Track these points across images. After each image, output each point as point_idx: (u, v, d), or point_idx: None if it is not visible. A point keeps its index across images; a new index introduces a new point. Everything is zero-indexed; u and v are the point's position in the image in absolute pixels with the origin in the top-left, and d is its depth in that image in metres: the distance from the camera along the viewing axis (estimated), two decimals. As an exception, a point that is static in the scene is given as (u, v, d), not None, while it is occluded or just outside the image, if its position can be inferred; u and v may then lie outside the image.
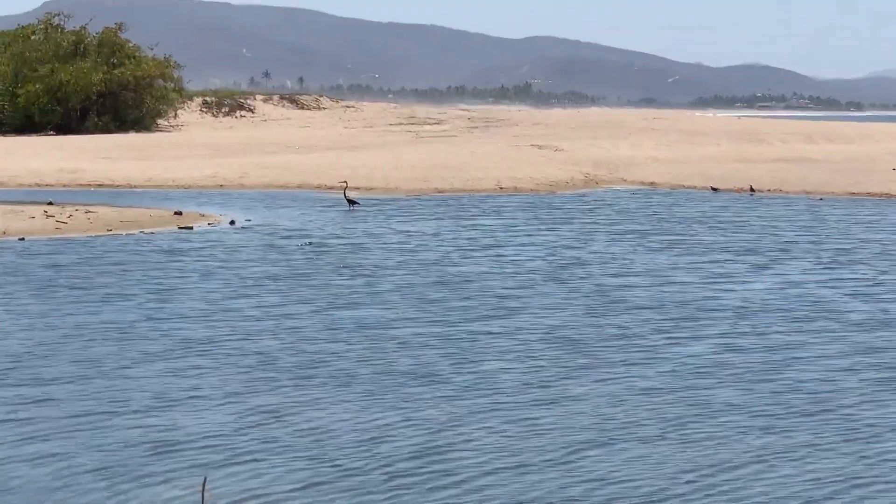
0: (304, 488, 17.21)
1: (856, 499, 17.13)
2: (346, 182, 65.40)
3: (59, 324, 29.32)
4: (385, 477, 17.76)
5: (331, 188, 69.31)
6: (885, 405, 22.22)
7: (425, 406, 21.76)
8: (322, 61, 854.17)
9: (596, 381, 23.87)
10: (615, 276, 38.53)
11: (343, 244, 45.78)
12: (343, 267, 40.08)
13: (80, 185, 73.36)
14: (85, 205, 58.61)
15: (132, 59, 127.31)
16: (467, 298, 33.50)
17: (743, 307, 32.80)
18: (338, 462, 18.42)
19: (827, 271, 40.29)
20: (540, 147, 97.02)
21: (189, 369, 24.42)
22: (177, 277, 37.23)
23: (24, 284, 35.45)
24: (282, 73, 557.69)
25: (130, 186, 72.93)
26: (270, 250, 43.95)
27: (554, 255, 43.42)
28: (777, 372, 24.86)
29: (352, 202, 60.70)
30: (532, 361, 25.64)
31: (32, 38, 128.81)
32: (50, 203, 58.46)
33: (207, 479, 16.75)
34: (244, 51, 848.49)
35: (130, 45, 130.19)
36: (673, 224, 54.56)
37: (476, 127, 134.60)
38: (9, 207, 56.47)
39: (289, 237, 47.99)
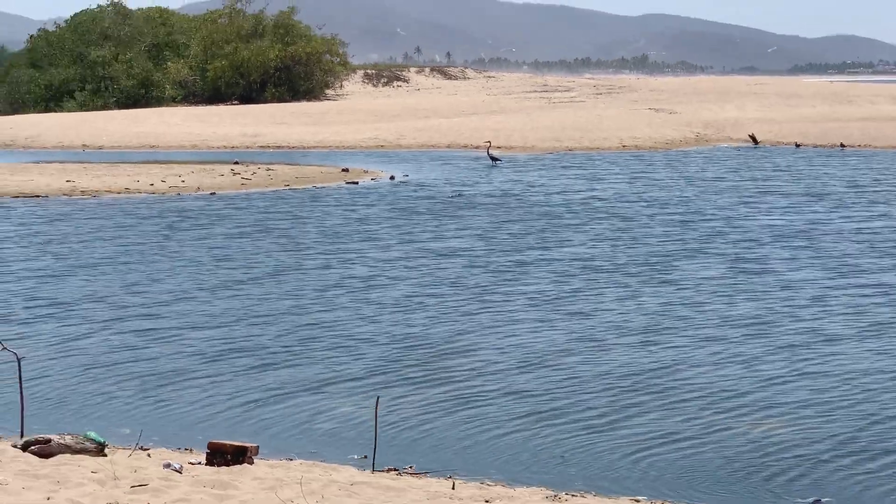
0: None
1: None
2: (489, 142, 65.45)
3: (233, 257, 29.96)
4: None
5: (476, 147, 69.36)
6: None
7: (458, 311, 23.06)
8: (466, 38, 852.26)
9: (613, 298, 25.31)
10: (668, 212, 39.16)
11: (484, 193, 45.95)
12: (458, 195, 45.25)
13: (261, 146, 74.09)
14: (265, 163, 59.24)
15: (303, 38, 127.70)
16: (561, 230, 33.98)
17: (755, 237, 34.40)
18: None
19: (849, 210, 41.20)
20: (656, 110, 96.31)
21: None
22: (343, 221, 37.67)
23: (218, 228, 36.12)
24: (432, 49, 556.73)
25: (303, 148, 73.54)
26: (425, 200, 44.20)
27: (639, 199, 43.66)
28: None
29: (494, 159, 60.71)
30: (561, 283, 27.05)
31: (219, 21, 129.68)
32: (236, 162, 59.13)
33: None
34: (399, 30, 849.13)
35: (302, 25, 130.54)
36: (749, 172, 54.99)
37: (600, 93, 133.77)
38: (201, 167, 57.26)
39: (441, 189, 48.21)
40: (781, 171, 55.93)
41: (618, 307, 24.43)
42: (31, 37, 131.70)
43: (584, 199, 44.74)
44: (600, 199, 44.42)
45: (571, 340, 21.59)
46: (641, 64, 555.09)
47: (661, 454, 15.50)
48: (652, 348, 20.94)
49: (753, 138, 74.34)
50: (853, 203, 43.17)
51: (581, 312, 23.92)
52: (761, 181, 50.72)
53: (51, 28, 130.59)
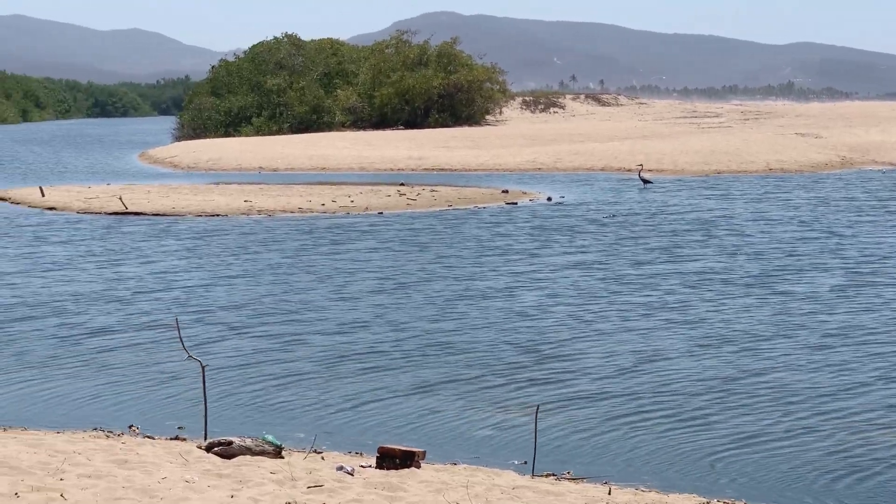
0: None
1: None
2: (641, 165, 65.12)
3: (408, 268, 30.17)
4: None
5: (629, 170, 69.00)
6: None
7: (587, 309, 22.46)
8: (619, 66, 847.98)
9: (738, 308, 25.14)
10: (784, 231, 38.69)
11: (635, 213, 45.70)
12: (612, 216, 44.87)
13: (425, 169, 74.44)
14: (430, 185, 59.53)
15: (465, 67, 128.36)
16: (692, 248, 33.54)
17: (874, 254, 34.17)
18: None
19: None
20: (802, 135, 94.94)
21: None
22: (501, 240, 37.71)
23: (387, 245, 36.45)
24: (586, 77, 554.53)
25: (465, 170, 73.74)
26: (580, 220, 44.10)
27: (774, 218, 42.86)
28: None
29: (646, 181, 60.38)
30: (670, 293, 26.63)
31: (386, 51, 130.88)
32: (402, 184, 59.54)
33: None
34: (555, 59, 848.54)
35: (464, 55, 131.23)
36: (886, 193, 54.19)
37: (747, 119, 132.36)
38: (369, 188, 57.74)
39: (595, 209, 48.06)
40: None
41: (744, 317, 24.48)
42: (213, 67, 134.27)
43: (724, 217, 44.58)
44: (738, 218, 44.13)
45: (709, 347, 21.64)
46: (787, 91, 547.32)
47: (812, 462, 15.27)
48: (789, 356, 20.79)
49: None
50: None
51: (716, 320, 24.03)
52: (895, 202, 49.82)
53: (231, 59, 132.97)
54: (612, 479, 14.47)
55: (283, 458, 14.18)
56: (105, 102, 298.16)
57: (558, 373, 19.90)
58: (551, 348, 21.70)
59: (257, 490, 12.24)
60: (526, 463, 15.04)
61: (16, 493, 11.54)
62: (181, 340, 17.18)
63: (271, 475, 12.99)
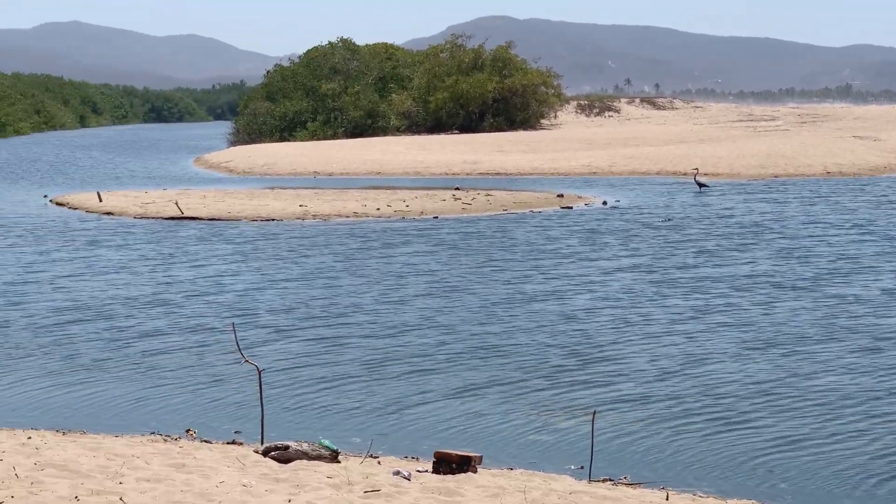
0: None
1: None
2: (697, 169, 64.79)
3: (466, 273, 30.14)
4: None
5: (684, 174, 68.65)
6: None
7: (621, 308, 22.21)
8: (674, 70, 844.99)
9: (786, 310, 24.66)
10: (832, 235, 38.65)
11: (691, 217, 45.48)
12: (667, 220, 44.90)
13: (480, 173, 74.38)
14: (484, 189, 59.49)
15: (520, 71, 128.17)
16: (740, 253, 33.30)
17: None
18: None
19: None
20: (860, 138, 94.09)
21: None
22: (556, 244, 37.64)
23: (439, 248, 36.45)
24: (641, 81, 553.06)
25: (519, 174, 73.63)
26: (635, 224, 43.96)
27: (827, 221, 42.49)
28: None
29: (701, 185, 60.06)
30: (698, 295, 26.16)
31: (440, 55, 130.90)
32: (457, 188, 59.53)
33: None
34: (609, 62, 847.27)
35: (518, 59, 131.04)
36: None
37: (804, 122, 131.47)
38: (424, 192, 57.76)
39: (650, 213, 47.88)
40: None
41: (796, 320, 24.44)
42: (268, 72, 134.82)
43: (778, 220, 44.32)
44: (792, 221, 43.88)
45: (761, 349, 21.55)
46: (845, 93, 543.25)
47: (869, 468, 15.12)
48: (839, 360, 20.63)
49: None
50: None
51: (766, 324, 24.00)
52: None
53: (285, 64, 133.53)
54: (669, 485, 14.41)
55: (339, 462, 14.21)
56: (161, 108, 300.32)
57: (610, 376, 19.85)
58: (602, 352, 21.66)
59: (314, 494, 12.28)
60: (582, 468, 15.01)
61: (76, 497, 11.64)
62: (238, 345, 17.25)
63: (328, 480, 13.02)
